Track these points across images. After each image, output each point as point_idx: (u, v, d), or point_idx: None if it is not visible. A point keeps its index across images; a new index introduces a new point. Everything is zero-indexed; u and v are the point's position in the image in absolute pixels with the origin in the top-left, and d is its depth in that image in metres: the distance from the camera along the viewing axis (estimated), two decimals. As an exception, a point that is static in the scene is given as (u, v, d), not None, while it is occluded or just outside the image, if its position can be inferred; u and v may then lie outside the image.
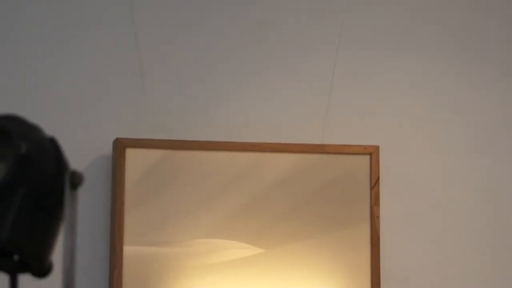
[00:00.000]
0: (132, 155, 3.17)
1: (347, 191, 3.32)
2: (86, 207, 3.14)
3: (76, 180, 1.86)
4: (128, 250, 3.11)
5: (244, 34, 3.52)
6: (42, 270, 1.87)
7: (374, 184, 3.32)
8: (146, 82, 3.34)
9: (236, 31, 3.52)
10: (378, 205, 3.32)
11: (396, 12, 3.66)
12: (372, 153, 3.32)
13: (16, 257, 1.83)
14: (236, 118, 3.40)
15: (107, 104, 3.29)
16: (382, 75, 3.55)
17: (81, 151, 3.17)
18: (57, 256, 1.86)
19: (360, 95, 3.51)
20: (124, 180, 3.12)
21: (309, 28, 3.59)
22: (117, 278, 3.06)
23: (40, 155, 1.85)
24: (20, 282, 1.87)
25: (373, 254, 3.28)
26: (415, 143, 3.49)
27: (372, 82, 3.54)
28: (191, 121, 3.35)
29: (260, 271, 3.24)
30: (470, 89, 3.63)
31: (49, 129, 2.00)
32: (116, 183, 3.10)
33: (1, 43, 3.39)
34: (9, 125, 1.86)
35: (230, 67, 3.45)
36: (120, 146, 3.13)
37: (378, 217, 3.31)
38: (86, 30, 3.41)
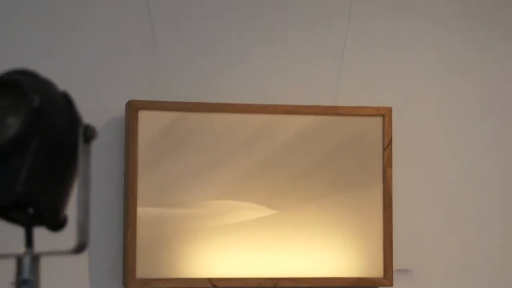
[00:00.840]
0: (145, 117, 3.16)
1: (360, 152, 3.32)
2: (100, 169, 3.18)
3: (89, 133, 1.85)
4: (142, 211, 3.13)
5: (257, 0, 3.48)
6: (56, 223, 1.85)
7: (387, 145, 3.31)
8: (158, 45, 3.33)
9: None
10: (391, 166, 3.32)
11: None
12: (385, 114, 3.32)
13: (31, 210, 1.82)
14: (248, 80, 3.39)
15: (120, 67, 3.29)
16: (395, 38, 3.54)
17: (94, 113, 3.15)
18: (71, 210, 1.82)
19: (373, 58, 3.52)
20: (137, 142, 3.12)
21: None
22: (131, 239, 3.07)
23: (53, 109, 1.84)
24: (36, 236, 1.85)
25: (385, 215, 3.30)
26: (429, 105, 3.51)
27: (385, 45, 3.52)
28: (204, 84, 3.35)
29: (273, 232, 3.25)
30: (481, 51, 3.60)
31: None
32: (129, 145, 3.10)
33: (19, 7, 3.36)
34: (22, 78, 1.86)
35: (243, 30, 3.45)
36: (132, 108, 3.12)
37: (390, 178, 3.32)
38: None
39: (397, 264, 3.34)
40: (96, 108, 3.26)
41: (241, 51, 3.44)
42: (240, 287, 3.25)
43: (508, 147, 3.60)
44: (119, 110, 3.14)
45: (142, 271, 3.14)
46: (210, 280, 3.18)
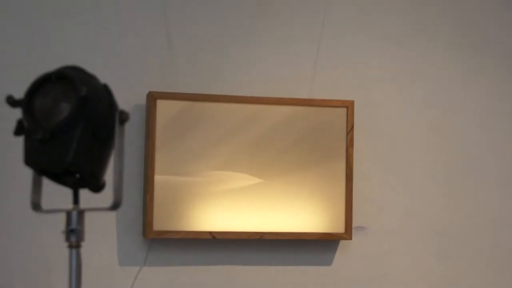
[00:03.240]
0: (161, 105, 3.17)
1: (329, 136, 3.33)
2: (126, 145, 3.12)
3: (123, 117, 1.88)
4: (158, 178, 3.15)
5: (249, 8, 3.43)
6: (97, 186, 1.90)
7: (349, 130, 3.34)
8: (172, 47, 3.29)
9: (242, 6, 3.41)
10: (352, 146, 3.35)
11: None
12: (348, 106, 3.35)
13: (77, 176, 1.86)
14: (243, 76, 3.38)
15: (141, 64, 3.26)
16: (359, 48, 3.51)
17: (120, 101, 3.04)
18: (108, 176, 1.89)
19: (340, 61, 3.48)
20: (155, 125, 3.12)
21: None
22: (149, 201, 3.11)
23: (96, 97, 1.85)
24: (81, 196, 1.91)
25: (347, 184, 3.34)
26: (382, 99, 3.52)
27: (351, 52, 3.50)
28: (208, 79, 3.33)
29: (260, 196, 3.29)
30: (423, 58, 3.55)
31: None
32: (148, 127, 3.10)
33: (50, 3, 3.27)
34: (73, 73, 1.86)
35: (240, 34, 3.39)
36: (152, 98, 3.15)
37: (352, 156, 3.35)
38: None
39: (355, 222, 3.37)
40: (123, 97, 3.11)
41: (238, 51, 3.38)
42: (233, 239, 3.27)
43: (444, 131, 3.57)
44: (141, 99, 3.14)
45: (158, 225, 3.18)
46: (210, 233, 3.22)
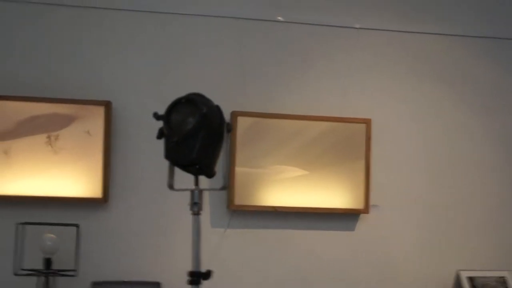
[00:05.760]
0: (240, 120, 3.16)
1: (353, 143, 3.27)
2: None
3: (229, 127, 1.99)
4: (238, 170, 3.14)
5: (298, 51, 3.27)
6: (211, 173, 2.01)
7: (368, 139, 3.29)
8: (246, 81, 3.24)
9: (293, 50, 3.26)
10: (369, 150, 3.29)
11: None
12: (367, 122, 3.30)
13: (198, 167, 1.96)
14: (293, 100, 3.28)
15: (226, 89, 3.18)
16: (378, 78, 3.36)
17: None
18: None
19: (362, 89, 3.35)
20: (236, 133, 3.12)
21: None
22: (232, 184, 3.10)
23: (212, 114, 1.94)
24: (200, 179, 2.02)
25: (366, 175, 3.28)
26: (394, 118, 3.41)
27: (371, 81, 3.38)
28: (270, 101, 3.26)
29: (306, 183, 3.23)
30: (422, 87, 3.44)
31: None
32: (232, 135, 3.06)
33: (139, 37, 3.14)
34: (196, 97, 1.96)
35: (291, 72, 3.29)
36: (234, 115, 3.17)
37: (369, 156, 3.27)
38: (204, 45, 3.18)
39: (371, 201, 3.30)
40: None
41: (290, 82, 3.27)
42: (288, 211, 3.18)
43: (436, 132, 3.42)
44: (227, 116, 3.01)
45: (238, 200, 3.14)
46: (273, 207, 3.18)
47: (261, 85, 3.27)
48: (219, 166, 2.03)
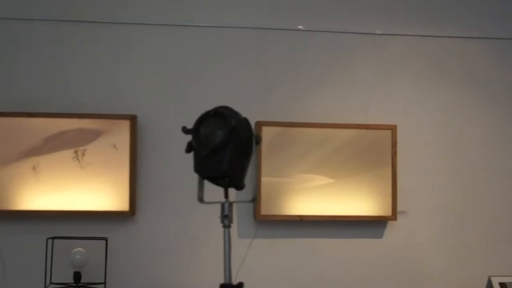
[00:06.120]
0: (265, 130, 3.16)
1: (380, 149, 3.24)
2: None
3: (258, 139, 1.91)
4: (264, 179, 3.14)
5: (321, 61, 3.27)
6: (241, 185, 1.93)
7: (394, 145, 3.27)
8: (270, 91, 3.23)
9: (316, 61, 3.27)
10: (396, 157, 3.27)
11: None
12: (393, 129, 3.29)
13: (227, 179, 1.89)
14: (318, 108, 3.27)
15: (251, 101, 3.20)
16: (401, 85, 3.35)
17: None
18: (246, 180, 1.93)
19: (386, 96, 3.35)
20: (261, 143, 3.03)
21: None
22: (258, 194, 3.10)
23: (240, 126, 1.87)
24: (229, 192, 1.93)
25: (393, 182, 3.26)
26: (418, 124, 3.39)
27: (395, 88, 3.35)
28: (294, 111, 3.25)
29: (332, 191, 3.22)
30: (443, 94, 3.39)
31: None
32: (258, 145, 2.77)
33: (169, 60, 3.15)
34: (224, 110, 1.90)
35: (315, 81, 3.28)
36: (259, 125, 3.17)
37: (395, 163, 3.26)
38: (228, 59, 3.19)
39: (399, 208, 3.28)
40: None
41: (314, 92, 3.26)
42: (314, 220, 3.17)
43: (459, 138, 3.38)
44: (252, 126, 2.82)
45: (264, 211, 3.14)
46: (299, 216, 3.16)
47: (285, 94, 3.27)
48: (247, 177, 1.98)
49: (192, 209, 3.06)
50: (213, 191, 1.99)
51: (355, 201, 3.22)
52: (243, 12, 3.26)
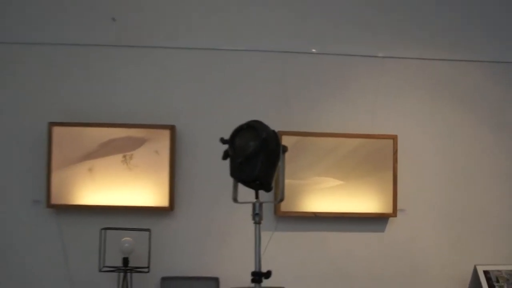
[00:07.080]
0: (285, 139, 3.37)
1: (382, 155, 3.42)
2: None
3: (284, 149, 2.10)
4: (286, 182, 3.21)
5: (330, 78, 3.46)
6: (270, 188, 2.18)
7: (395, 152, 3.47)
8: (289, 105, 3.45)
9: (325, 79, 3.45)
10: (396, 162, 3.48)
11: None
12: (394, 138, 3.48)
13: (258, 182, 2.10)
14: (329, 120, 3.49)
15: (273, 113, 3.41)
16: (402, 101, 3.52)
17: None
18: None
19: (389, 110, 3.56)
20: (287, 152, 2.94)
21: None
22: (277, 195, 3.06)
23: (270, 138, 2.07)
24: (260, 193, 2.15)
25: (393, 184, 3.45)
26: (417, 134, 3.57)
27: (399, 101, 3.53)
28: (310, 122, 3.47)
29: (341, 191, 3.41)
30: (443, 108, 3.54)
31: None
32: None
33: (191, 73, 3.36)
34: (256, 124, 2.10)
35: (326, 95, 3.47)
36: (280, 134, 3.37)
37: (396, 168, 3.46)
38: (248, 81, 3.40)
39: (399, 206, 3.48)
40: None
41: (326, 105, 3.47)
42: (326, 216, 3.38)
43: (453, 146, 3.56)
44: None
45: (283, 208, 3.36)
46: (314, 212, 3.36)
47: (302, 108, 3.48)
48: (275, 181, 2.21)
49: (221, 206, 3.33)
50: (241, 193, 2.21)
51: (361, 200, 3.40)
52: (265, 38, 3.52)
